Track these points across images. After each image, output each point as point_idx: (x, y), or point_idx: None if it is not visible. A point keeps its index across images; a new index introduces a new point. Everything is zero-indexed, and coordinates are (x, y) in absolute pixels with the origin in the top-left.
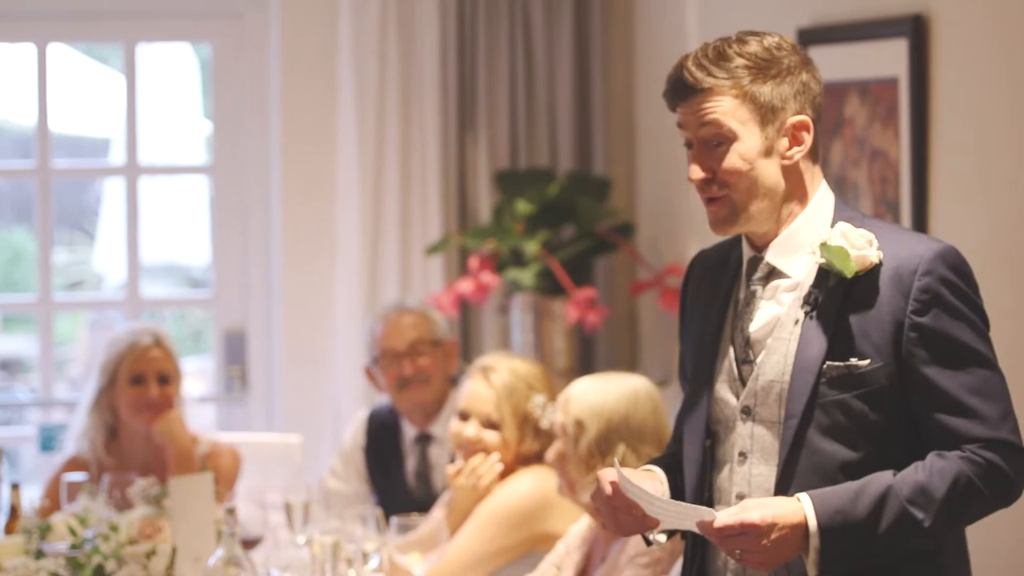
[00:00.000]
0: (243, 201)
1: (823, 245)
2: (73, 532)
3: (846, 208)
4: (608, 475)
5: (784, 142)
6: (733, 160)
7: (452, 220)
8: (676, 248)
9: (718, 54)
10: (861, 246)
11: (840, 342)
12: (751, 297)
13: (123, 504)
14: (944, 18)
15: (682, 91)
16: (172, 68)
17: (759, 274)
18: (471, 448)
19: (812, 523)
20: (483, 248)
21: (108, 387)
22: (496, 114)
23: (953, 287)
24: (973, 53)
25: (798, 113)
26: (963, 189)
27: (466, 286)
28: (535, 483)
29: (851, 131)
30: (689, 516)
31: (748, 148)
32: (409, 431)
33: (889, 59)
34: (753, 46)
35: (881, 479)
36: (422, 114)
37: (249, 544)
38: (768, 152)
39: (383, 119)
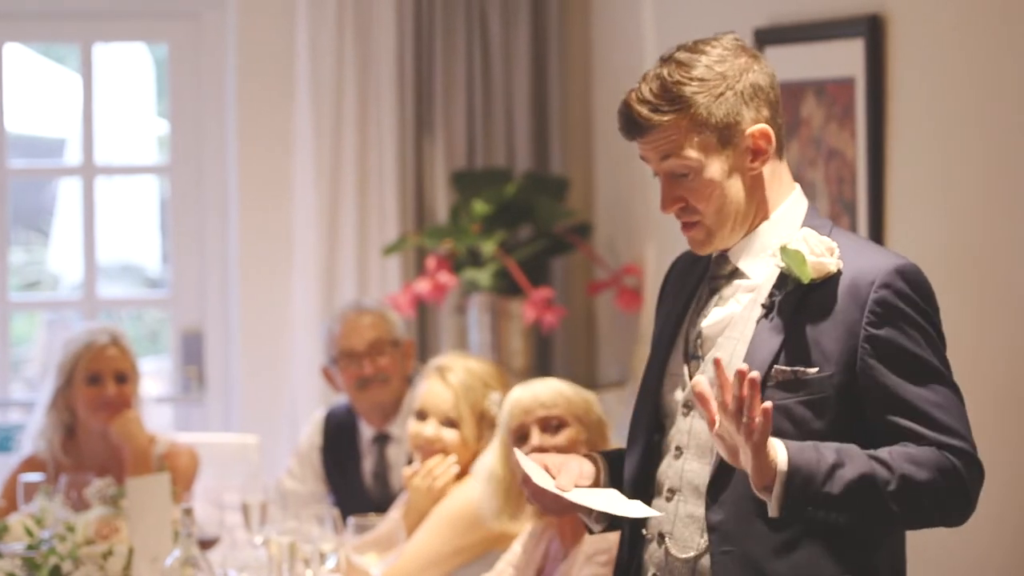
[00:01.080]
0: (200, 201)
1: (782, 248)
2: (30, 532)
3: (817, 217)
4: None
5: (746, 155)
6: (701, 188)
7: (409, 220)
8: (633, 248)
9: (662, 86)
10: (820, 253)
11: (791, 347)
12: (710, 295)
13: (80, 504)
14: (900, 18)
15: (634, 130)
16: (128, 68)
17: (723, 273)
18: (430, 448)
19: (782, 453)
20: (440, 248)
21: (65, 387)
22: (453, 114)
23: (910, 301)
24: (929, 53)
25: (755, 122)
26: (919, 189)
27: (423, 286)
28: None
29: (807, 131)
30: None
31: (713, 173)
32: (366, 431)
33: (845, 59)
34: (696, 69)
35: (841, 443)
36: (379, 114)
37: (206, 544)
38: (732, 171)
39: (340, 119)
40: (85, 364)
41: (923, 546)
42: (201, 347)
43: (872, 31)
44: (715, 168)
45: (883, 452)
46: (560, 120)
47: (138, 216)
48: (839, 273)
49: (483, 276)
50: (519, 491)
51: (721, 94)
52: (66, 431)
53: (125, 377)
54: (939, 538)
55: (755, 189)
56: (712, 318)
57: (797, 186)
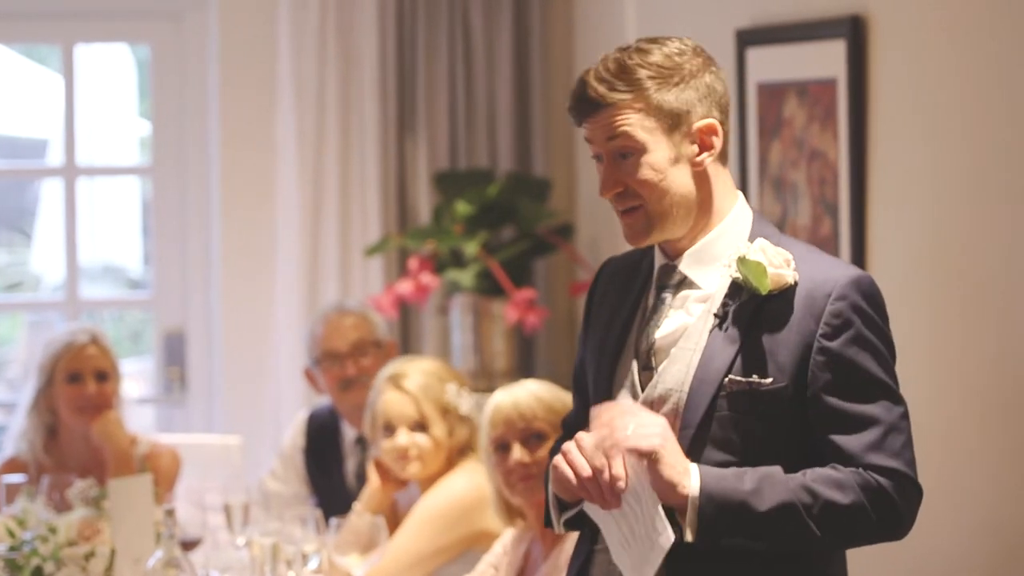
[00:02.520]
0: (182, 202)
1: (740, 259)
2: (11, 534)
3: (764, 224)
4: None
5: (693, 148)
6: (644, 171)
7: (392, 221)
8: (616, 249)
9: (620, 67)
10: (779, 264)
11: (745, 358)
12: (659, 305)
13: (62, 506)
14: (882, 19)
15: (587, 107)
16: (109, 69)
17: (670, 282)
18: (406, 457)
19: (695, 479)
20: (423, 249)
21: (46, 387)
22: (436, 115)
23: (865, 315)
24: (911, 54)
25: (705, 117)
26: (901, 190)
27: (405, 287)
28: (471, 481)
29: (790, 132)
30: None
31: (658, 158)
32: (349, 432)
33: (827, 60)
34: (654, 55)
35: (768, 467)
36: (362, 115)
37: (188, 545)
38: (677, 160)
39: (323, 120)
40: (65, 364)
41: (899, 551)
42: (183, 348)
43: (854, 32)
44: (660, 154)
45: (808, 476)
46: (542, 121)
47: (120, 217)
48: (795, 284)
49: (465, 277)
50: (507, 501)
51: (676, 83)
52: (48, 432)
53: (105, 376)
54: (918, 540)
55: (701, 186)
56: (664, 329)
57: (740, 194)
